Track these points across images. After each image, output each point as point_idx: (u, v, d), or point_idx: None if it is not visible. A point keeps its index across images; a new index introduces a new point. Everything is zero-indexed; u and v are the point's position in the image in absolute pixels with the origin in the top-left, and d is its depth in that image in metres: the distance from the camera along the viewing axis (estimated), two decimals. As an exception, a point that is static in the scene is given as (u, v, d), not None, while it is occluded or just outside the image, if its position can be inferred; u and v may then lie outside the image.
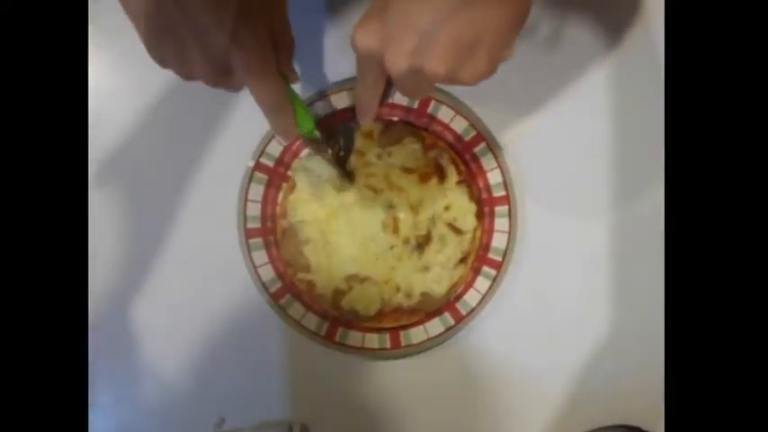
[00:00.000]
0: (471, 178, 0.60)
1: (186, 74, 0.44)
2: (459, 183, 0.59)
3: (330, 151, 0.56)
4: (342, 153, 0.58)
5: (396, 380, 0.61)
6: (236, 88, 0.47)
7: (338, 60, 0.60)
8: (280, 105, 0.48)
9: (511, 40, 0.40)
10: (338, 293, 0.59)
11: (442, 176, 0.59)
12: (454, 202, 0.59)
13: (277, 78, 0.47)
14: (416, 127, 0.60)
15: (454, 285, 0.59)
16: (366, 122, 0.54)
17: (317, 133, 0.55)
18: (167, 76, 0.60)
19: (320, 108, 0.59)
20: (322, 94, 0.59)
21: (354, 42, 0.41)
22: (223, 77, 0.43)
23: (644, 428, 0.59)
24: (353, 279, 0.59)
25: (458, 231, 0.59)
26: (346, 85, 0.59)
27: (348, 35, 0.59)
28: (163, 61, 0.44)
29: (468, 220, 0.59)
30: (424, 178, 0.59)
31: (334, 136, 0.58)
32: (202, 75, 0.43)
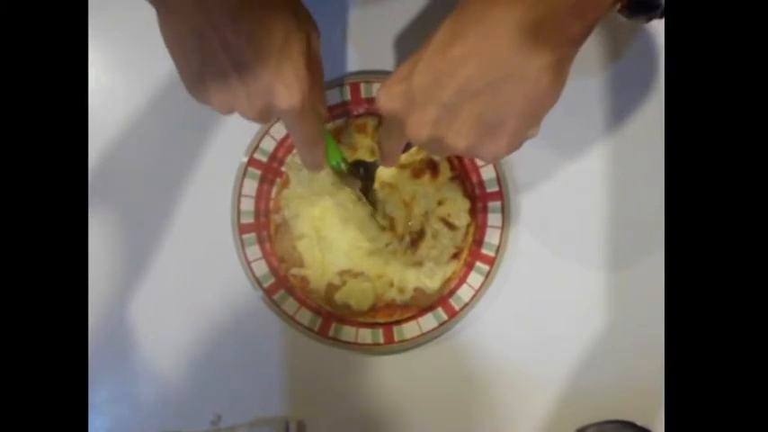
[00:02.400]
0: (465, 174, 0.60)
1: (227, 109, 0.44)
2: (452, 178, 0.59)
3: (359, 183, 0.56)
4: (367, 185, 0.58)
5: (389, 375, 0.61)
6: (269, 121, 0.47)
7: (333, 57, 0.60)
8: (315, 140, 0.48)
9: (537, 122, 0.40)
10: (331, 288, 0.59)
11: (435, 172, 0.59)
12: (447, 198, 0.59)
13: (314, 114, 0.47)
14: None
15: (447, 281, 0.60)
16: (390, 166, 0.55)
17: (344, 165, 0.55)
18: (161, 74, 0.60)
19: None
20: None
21: (378, 104, 0.41)
22: (263, 113, 0.43)
23: (638, 424, 0.59)
24: (347, 274, 0.59)
25: (451, 227, 0.59)
26: (340, 80, 0.59)
27: (346, 33, 0.60)
28: (205, 97, 0.43)
29: (461, 216, 0.59)
30: (417, 174, 0.59)
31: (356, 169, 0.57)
32: (243, 111, 0.43)
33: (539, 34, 0.35)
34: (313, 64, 0.44)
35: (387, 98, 0.41)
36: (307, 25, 0.43)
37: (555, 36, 0.36)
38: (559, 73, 0.38)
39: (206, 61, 0.40)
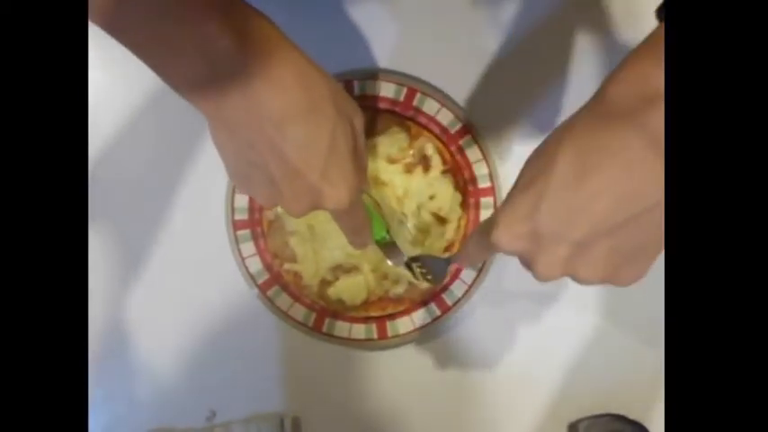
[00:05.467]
0: (457, 168, 0.60)
1: (271, 205, 0.44)
2: (444, 172, 0.60)
3: (405, 256, 0.55)
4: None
5: (383, 370, 0.61)
6: None
7: (326, 55, 0.60)
8: (362, 226, 0.48)
9: None
10: (325, 283, 0.60)
11: (426, 166, 0.59)
12: (439, 192, 0.59)
13: (361, 202, 0.46)
14: (403, 117, 0.60)
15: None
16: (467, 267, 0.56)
17: (387, 238, 0.55)
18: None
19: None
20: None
21: (499, 245, 0.38)
22: (309, 211, 0.43)
23: (630, 417, 0.60)
24: (339, 269, 0.59)
25: (442, 221, 0.59)
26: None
27: (339, 31, 0.60)
28: (250, 194, 0.44)
29: (452, 210, 0.59)
30: (408, 169, 0.59)
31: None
32: (288, 208, 0.42)
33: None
34: (358, 152, 0.43)
35: (509, 239, 0.37)
36: (349, 113, 0.42)
37: None
38: None
39: (254, 165, 0.40)
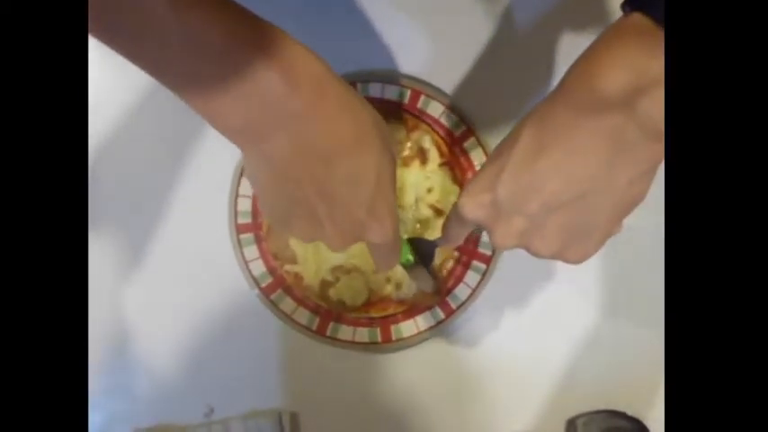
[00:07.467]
0: (454, 161, 0.60)
1: (309, 240, 0.42)
2: (441, 165, 0.59)
3: (427, 272, 0.54)
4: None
5: (386, 372, 0.62)
6: None
7: (330, 56, 0.60)
8: (396, 253, 0.47)
9: (622, 221, 0.40)
10: (325, 284, 0.60)
11: (424, 159, 0.59)
12: (437, 185, 0.59)
13: (400, 235, 0.45)
14: (399, 110, 0.60)
15: (444, 277, 0.60)
16: (451, 247, 0.57)
17: (411, 259, 0.54)
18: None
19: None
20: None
21: (463, 212, 0.41)
22: (351, 245, 0.42)
23: (629, 413, 0.61)
24: (339, 270, 0.59)
25: (440, 213, 0.59)
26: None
27: (343, 32, 0.59)
28: (288, 231, 0.42)
29: (450, 201, 0.59)
30: (406, 162, 0.59)
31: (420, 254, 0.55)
32: (329, 243, 0.41)
33: (628, 151, 0.35)
34: (395, 180, 0.42)
35: (472, 206, 0.41)
36: (391, 146, 0.41)
37: (644, 150, 0.35)
38: (649, 178, 0.37)
39: (296, 202, 0.39)
